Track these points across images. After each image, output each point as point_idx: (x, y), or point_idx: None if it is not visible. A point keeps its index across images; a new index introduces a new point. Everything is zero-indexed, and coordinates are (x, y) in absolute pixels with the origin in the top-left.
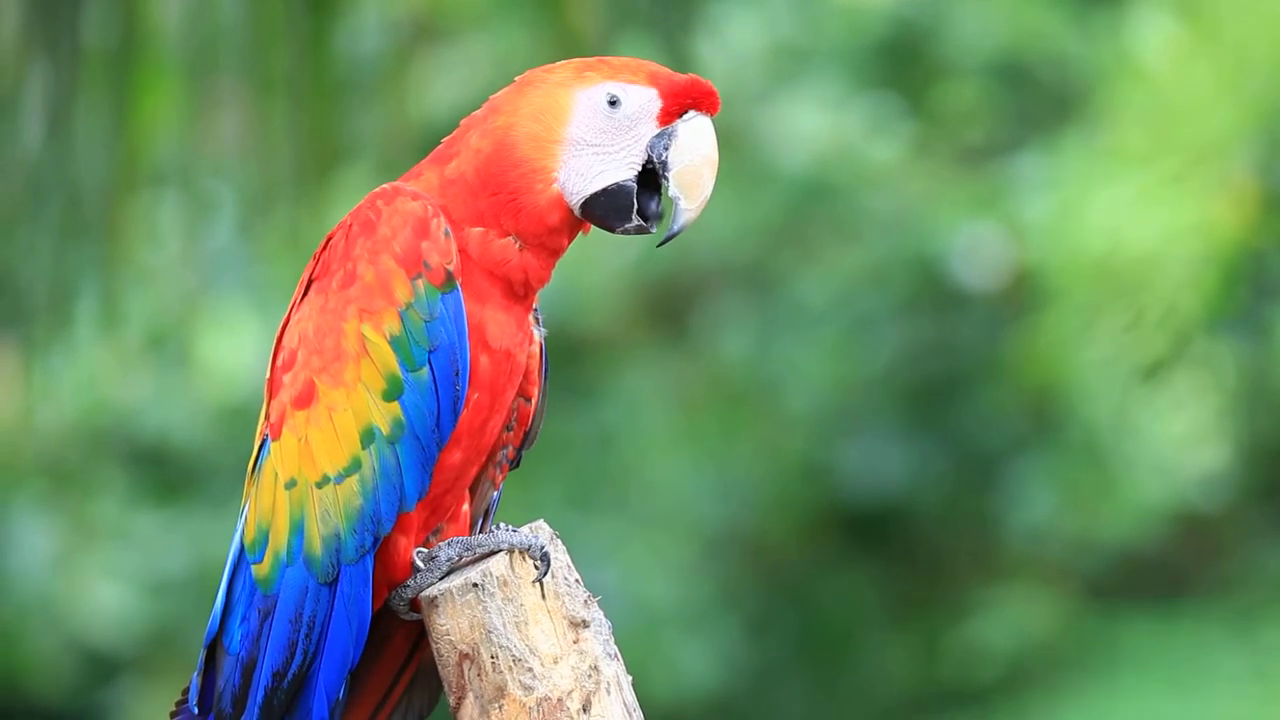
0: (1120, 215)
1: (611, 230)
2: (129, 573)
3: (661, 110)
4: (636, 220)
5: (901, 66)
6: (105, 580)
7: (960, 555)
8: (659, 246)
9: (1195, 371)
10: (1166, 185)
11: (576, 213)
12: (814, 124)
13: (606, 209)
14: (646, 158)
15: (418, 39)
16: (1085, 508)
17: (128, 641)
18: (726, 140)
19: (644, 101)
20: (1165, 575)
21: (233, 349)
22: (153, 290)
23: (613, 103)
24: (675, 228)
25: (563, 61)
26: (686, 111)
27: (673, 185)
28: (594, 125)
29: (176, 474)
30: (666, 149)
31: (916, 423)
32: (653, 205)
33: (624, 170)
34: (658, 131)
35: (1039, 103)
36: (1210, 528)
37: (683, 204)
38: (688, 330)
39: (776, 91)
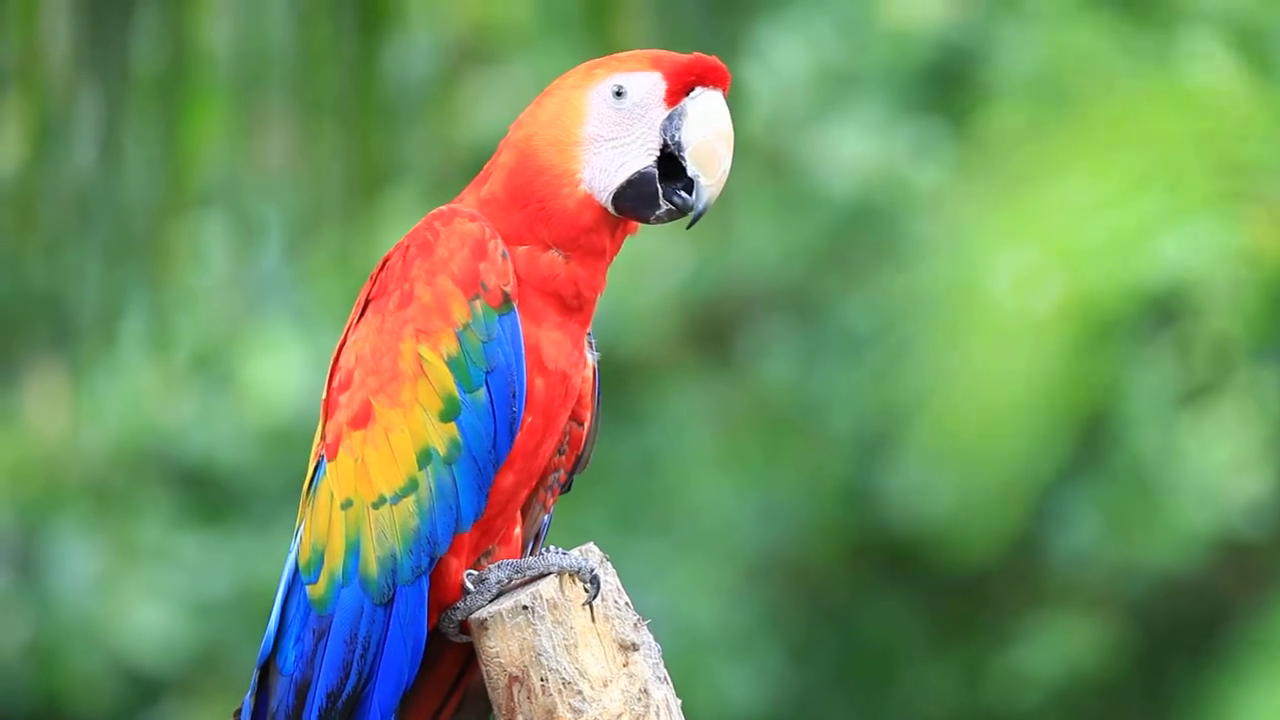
0: (1167, 240)
1: (646, 221)
2: (172, 594)
3: (668, 91)
4: (666, 205)
5: (946, 90)
6: (148, 601)
7: (1003, 581)
8: (688, 228)
9: (1240, 398)
10: (1213, 210)
11: (610, 209)
12: (859, 148)
13: (635, 200)
14: (663, 142)
15: (465, 61)
16: (1129, 534)
17: (170, 663)
18: (772, 164)
19: (649, 86)
20: (1209, 602)
21: (278, 371)
22: (198, 312)
23: (618, 93)
24: (700, 206)
25: (576, 67)
26: (693, 89)
27: (690, 163)
28: (608, 119)
29: (220, 495)
30: (679, 129)
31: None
32: (682, 190)
33: (643, 158)
34: (668, 113)
35: (1084, 126)
36: (1254, 555)
37: (703, 180)
38: (732, 354)
39: (822, 115)
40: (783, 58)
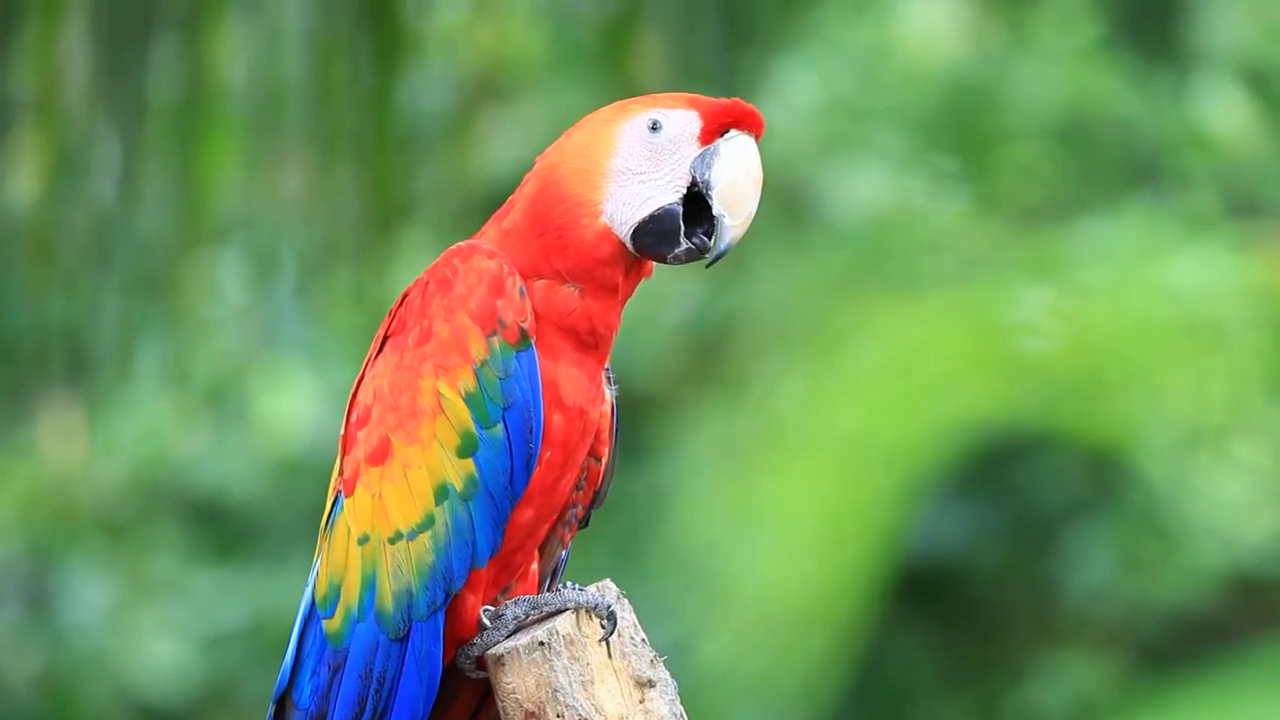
0: (1183, 279)
1: (664, 260)
2: (184, 627)
3: (702, 130)
4: (686, 244)
5: (962, 128)
6: (160, 634)
7: (1018, 618)
8: (707, 267)
9: (1254, 436)
10: (1229, 249)
11: (628, 244)
12: (874, 185)
13: (655, 236)
14: (691, 180)
15: (480, 97)
16: (1143, 572)
17: (181, 696)
18: (787, 201)
19: (685, 124)
20: (1222, 641)
21: (291, 405)
22: (212, 345)
23: (654, 127)
24: (721, 246)
25: (608, 104)
26: (727, 131)
27: (716, 202)
28: (638, 153)
29: (232, 529)
30: (709, 167)
31: (975, 484)
32: (703, 233)
33: (669, 194)
34: (700, 152)
35: (1100, 165)
36: (1267, 593)
37: (727, 220)
38: (743, 388)
39: (836, 152)
40: (798, 94)
